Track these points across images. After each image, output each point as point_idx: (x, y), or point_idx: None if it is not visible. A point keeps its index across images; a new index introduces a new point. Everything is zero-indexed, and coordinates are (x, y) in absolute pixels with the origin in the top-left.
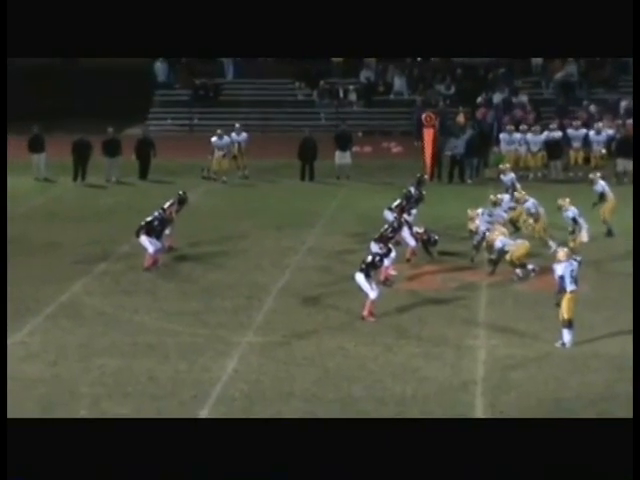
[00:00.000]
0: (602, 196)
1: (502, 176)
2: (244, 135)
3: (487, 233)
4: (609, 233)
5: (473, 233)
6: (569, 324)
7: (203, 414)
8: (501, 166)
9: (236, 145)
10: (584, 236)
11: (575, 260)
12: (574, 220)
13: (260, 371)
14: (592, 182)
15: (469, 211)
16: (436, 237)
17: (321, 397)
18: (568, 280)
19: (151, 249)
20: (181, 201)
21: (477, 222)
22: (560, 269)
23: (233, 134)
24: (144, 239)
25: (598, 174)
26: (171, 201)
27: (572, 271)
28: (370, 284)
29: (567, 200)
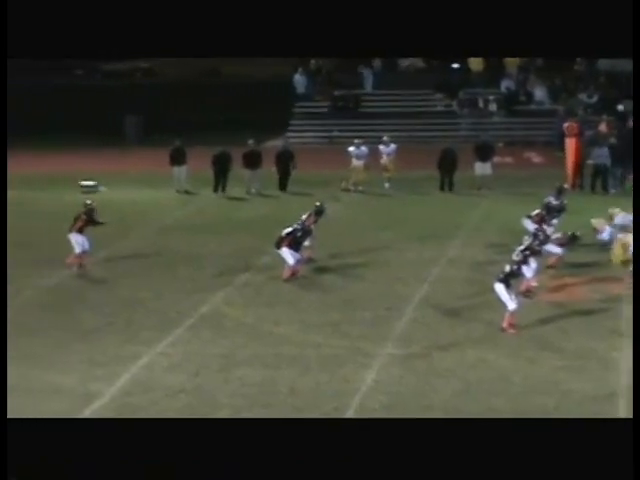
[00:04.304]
0: None
1: None
2: (392, 147)
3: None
4: None
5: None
6: None
7: None
8: None
9: (385, 157)
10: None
11: None
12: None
13: (400, 383)
14: None
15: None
16: (577, 233)
17: (462, 410)
18: None
19: (292, 260)
20: (318, 212)
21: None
22: None
23: (381, 146)
24: (285, 251)
25: None
26: (308, 212)
27: None
28: (510, 295)
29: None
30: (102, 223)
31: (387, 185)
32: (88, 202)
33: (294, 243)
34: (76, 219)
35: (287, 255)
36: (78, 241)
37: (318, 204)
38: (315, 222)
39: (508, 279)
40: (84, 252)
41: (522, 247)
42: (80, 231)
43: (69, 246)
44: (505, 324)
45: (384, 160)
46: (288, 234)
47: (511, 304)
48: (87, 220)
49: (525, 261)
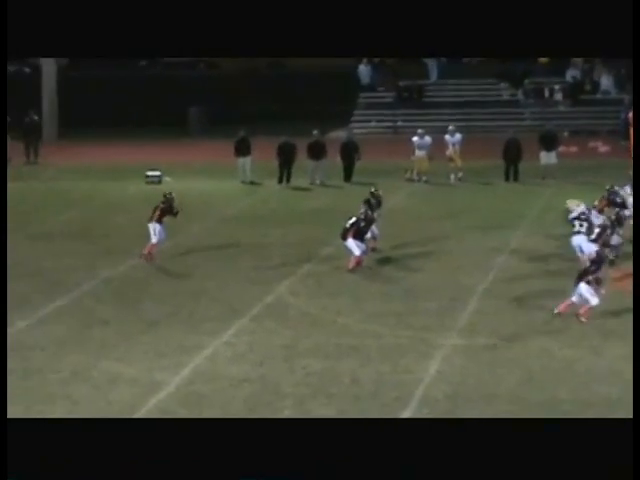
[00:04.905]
0: None
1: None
2: (458, 136)
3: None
4: None
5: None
6: None
7: (405, 415)
8: None
9: (450, 147)
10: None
11: None
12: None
13: (463, 373)
14: None
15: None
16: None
17: (525, 399)
18: None
19: (357, 251)
20: (373, 198)
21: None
22: None
23: (447, 136)
24: (351, 242)
25: None
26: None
27: None
28: (594, 290)
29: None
30: (177, 213)
31: (453, 178)
32: (167, 193)
33: (358, 233)
34: (155, 209)
35: (352, 246)
36: (156, 230)
37: (373, 190)
38: (371, 208)
39: (583, 276)
40: (159, 242)
41: (593, 237)
42: (159, 221)
43: (140, 236)
44: (582, 310)
45: (450, 151)
46: (352, 225)
47: (594, 299)
48: (164, 209)
49: (602, 260)
